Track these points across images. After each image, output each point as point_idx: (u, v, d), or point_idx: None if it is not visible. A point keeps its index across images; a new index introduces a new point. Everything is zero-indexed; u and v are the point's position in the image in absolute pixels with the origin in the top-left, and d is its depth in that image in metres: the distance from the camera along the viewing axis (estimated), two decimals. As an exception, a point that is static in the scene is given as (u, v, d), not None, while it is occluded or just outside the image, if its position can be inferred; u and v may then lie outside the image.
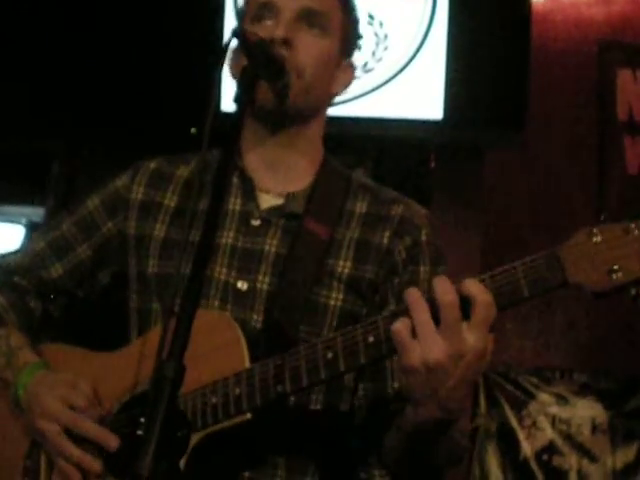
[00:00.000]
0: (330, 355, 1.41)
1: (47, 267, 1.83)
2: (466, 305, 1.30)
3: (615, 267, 1.26)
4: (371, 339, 1.39)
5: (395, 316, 1.37)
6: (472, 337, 1.30)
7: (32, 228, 4.68)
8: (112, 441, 1.60)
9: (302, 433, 1.66)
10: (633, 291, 1.26)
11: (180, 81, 4.13)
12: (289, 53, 1.62)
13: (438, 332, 1.30)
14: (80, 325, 1.91)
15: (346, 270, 1.67)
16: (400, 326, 1.32)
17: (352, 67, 1.80)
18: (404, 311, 1.35)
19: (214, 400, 1.49)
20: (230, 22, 4.09)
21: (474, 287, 1.31)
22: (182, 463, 1.48)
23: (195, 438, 1.51)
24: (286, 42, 1.63)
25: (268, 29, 1.64)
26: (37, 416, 1.65)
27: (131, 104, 4.23)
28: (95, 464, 1.61)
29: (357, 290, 1.65)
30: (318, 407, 1.66)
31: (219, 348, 1.53)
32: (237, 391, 1.48)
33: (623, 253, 1.26)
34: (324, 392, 1.66)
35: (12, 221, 4.77)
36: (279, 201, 1.72)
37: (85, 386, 1.65)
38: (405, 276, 1.67)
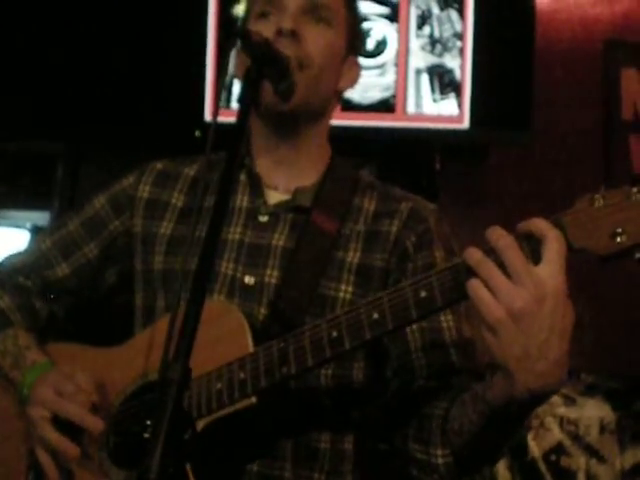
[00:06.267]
0: (335, 333, 1.40)
1: (53, 266, 1.83)
2: (532, 245, 1.28)
3: (618, 230, 1.25)
4: (375, 316, 1.37)
5: (399, 289, 1.36)
6: (548, 275, 1.25)
7: (37, 232, 4.67)
8: (96, 424, 1.59)
9: (309, 418, 1.65)
10: (638, 254, 1.25)
11: (184, 81, 4.13)
12: (296, 45, 1.63)
13: (511, 281, 1.26)
14: (85, 325, 1.90)
15: (355, 260, 1.67)
16: (476, 283, 1.28)
17: (358, 64, 1.80)
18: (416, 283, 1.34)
19: (219, 386, 1.48)
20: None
21: (540, 224, 1.27)
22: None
23: (200, 425, 1.50)
24: (293, 34, 1.63)
25: (274, 22, 1.65)
26: (29, 405, 1.65)
27: (134, 105, 4.23)
28: (72, 448, 1.60)
29: (367, 280, 1.64)
30: (325, 389, 1.64)
31: (223, 336, 1.52)
32: (241, 375, 1.47)
33: (626, 216, 1.25)
34: (331, 373, 1.64)
35: (17, 225, 4.75)
36: (287, 196, 1.71)
37: (81, 376, 1.65)
38: (419, 261, 1.66)
